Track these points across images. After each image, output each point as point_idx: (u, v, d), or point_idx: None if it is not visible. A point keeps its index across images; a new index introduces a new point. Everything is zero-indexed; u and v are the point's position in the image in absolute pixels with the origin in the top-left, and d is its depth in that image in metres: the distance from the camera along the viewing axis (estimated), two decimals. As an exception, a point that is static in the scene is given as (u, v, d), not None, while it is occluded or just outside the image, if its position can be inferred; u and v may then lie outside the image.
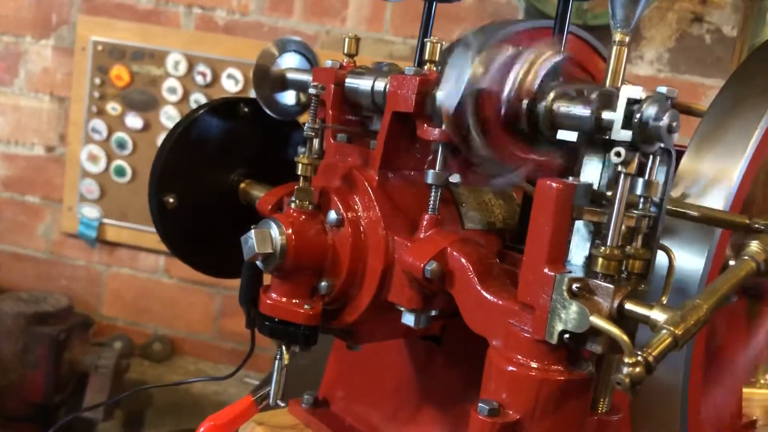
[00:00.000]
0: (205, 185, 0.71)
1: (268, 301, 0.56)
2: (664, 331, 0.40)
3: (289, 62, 0.69)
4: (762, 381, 1.01)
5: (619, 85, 0.49)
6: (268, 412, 0.75)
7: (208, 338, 2.19)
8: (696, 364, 0.58)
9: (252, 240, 0.54)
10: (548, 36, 0.83)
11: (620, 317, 0.43)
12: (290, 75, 0.68)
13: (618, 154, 0.43)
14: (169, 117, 2.09)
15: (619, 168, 0.43)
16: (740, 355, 0.74)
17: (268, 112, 0.69)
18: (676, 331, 0.40)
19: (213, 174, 0.71)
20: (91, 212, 2.17)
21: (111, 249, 2.21)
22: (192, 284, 2.16)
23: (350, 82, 0.60)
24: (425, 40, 0.56)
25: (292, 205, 0.56)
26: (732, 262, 0.54)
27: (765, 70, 0.62)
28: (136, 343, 2.20)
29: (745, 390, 0.88)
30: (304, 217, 0.56)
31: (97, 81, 2.11)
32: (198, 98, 2.06)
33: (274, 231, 0.55)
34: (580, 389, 0.46)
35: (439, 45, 0.55)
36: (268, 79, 0.68)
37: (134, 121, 2.11)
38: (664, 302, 0.46)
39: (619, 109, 0.43)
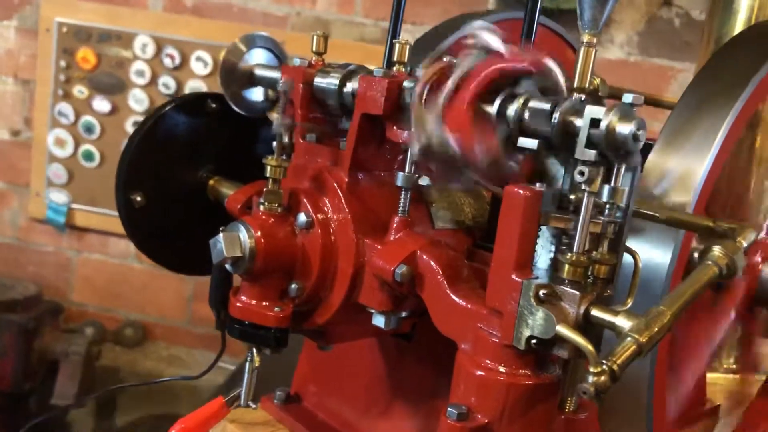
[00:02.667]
0: (172, 183, 0.70)
1: (237, 304, 0.56)
2: (629, 338, 0.41)
3: (257, 58, 0.68)
4: (725, 365, 1.03)
5: (586, 85, 0.49)
6: (240, 409, 0.76)
7: (180, 323, 2.18)
8: (661, 360, 0.59)
9: (220, 243, 0.54)
10: (514, 29, 0.83)
11: (586, 323, 0.44)
12: (258, 71, 0.67)
13: (581, 173, 0.43)
14: (137, 100, 2.06)
15: (583, 186, 0.43)
16: (703, 343, 0.76)
17: (235, 108, 0.68)
18: (641, 339, 0.41)
19: (181, 171, 0.71)
20: (59, 197, 2.14)
21: (80, 234, 2.18)
22: (162, 270, 2.14)
23: (319, 81, 0.60)
24: (393, 41, 0.55)
25: (261, 208, 0.55)
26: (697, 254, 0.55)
27: (730, 67, 0.62)
28: (108, 329, 2.19)
29: (708, 375, 0.90)
30: (273, 219, 0.55)
31: (63, 63, 2.07)
32: (167, 81, 2.03)
33: (243, 234, 0.54)
34: (548, 392, 0.46)
35: (407, 46, 0.55)
36: (235, 75, 0.67)
37: (102, 104, 2.07)
38: (630, 303, 0.47)
39: (583, 128, 0.43)
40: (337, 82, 0.58)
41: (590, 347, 0.40)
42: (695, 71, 1.01)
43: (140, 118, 2.09)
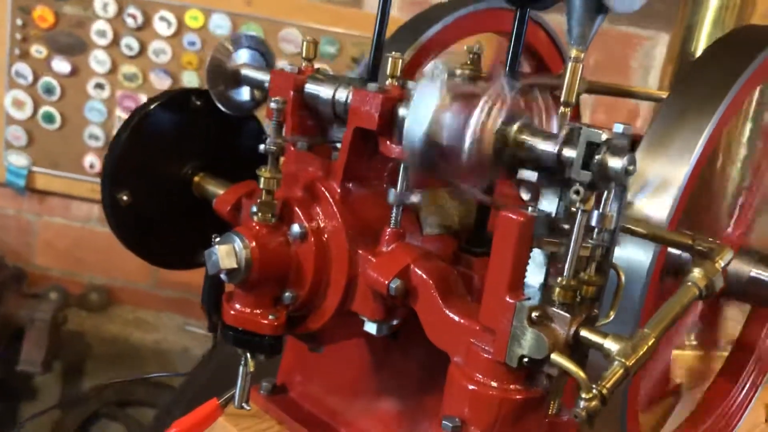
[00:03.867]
0: (158, 180, 0.71)
1: (231, 312, 0.57)
2: (616, 363, 0.43)
3: (244, 58, 0.68)
4: (687, 343, 1.08)
5: (573, 99, 0.51)
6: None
7: (146, 287, 2.17)
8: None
9: (216, 255, 0.55)
10: (496, 18, 0.84)
11: (575, 343, 0.46)
12: (245, 72, 0.67)
13: (577, 193, 0.45)
14: (99, 62, 2.01)
15: (578, 205, 0.45)
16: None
17: (222, 108, 0.68)
18: (627, 363, 0.43)
19: (166, 168, 0.71)
20: (18, 160, 2.09)
21: (42, 198, 2.14)
22: (128, 233, 2.13)
23: (310, 88, 0.60)
24: (387, 55, 0.56)
25: (255, 219, 0.56)
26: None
27: (706, 80, 0.64)
28: (72, 294, 2.17)
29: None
30: (267, 230, 0.56)
31: (19, 22, 2.00)
32: (129, 42, 1.98)
33: (238, 245, 0.55)
34: (537, 404, 0.49)
35: (400, 60, 0.56)
36: (222, 75, 0.67)
37: (61, 65, 2.02)
38: (612, 316, 0.49)
39: (579, 150, 0.45)
40: (329, 91, 0.59)
41: (582, 374, 0.43)
42: (669, 41, 1.03)
43: (102, 81, 2.05)
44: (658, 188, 0.59)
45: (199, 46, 1.99)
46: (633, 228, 0.53)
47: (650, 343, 0.44)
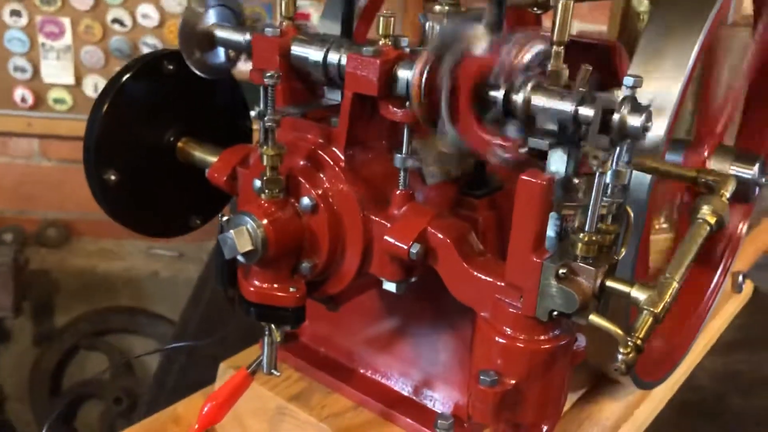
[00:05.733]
0: (142, 152, 0.68)
1: (251, 289, 0.57)
2: (645, 312, 0.46)
3: (213, 18, 0.64)
4: (657, 227, 1.13)
5: (566, 38, 0.51)
6: (241, 353, 0.79)
7: (104, 217, 2.11)
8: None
9: (231, 239, 0.54)
10: None
11: (601, 292, 0.49)
12: (218, 33, 0.64)
13: (596, 158, 0.45)
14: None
15: (597, 169, 0.46)
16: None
17: (198, 73, 0.65)
18: (656, 311, 0.46)
19: (148, 139, 0.68)
20: (-58, 102, 1.98)
21: (-23, 139, 2.05)
22: (73, 164, 2.06)
23: (297, 50, 0.58)
24: (378, 14, 0.54)
25: (263, 196, 0.56)
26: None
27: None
28: (28, 232, 2.12)
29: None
30: (276, 206, 0.56)
31: None
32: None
33: (251, 226, 0.55)
34: (566, 349, 0.52)
35: (392, 19, 0.54)
36: (196, 39, 0.63)
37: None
38: (623, 254, 0.52)
39: (596, 117, 0.45)
40: (319, 53, 0.57)
41: (620, 331, 0.45)
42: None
43: (17, 7, 1.91)
44: (654, 108, 0.60)
45: (116, -42, 1.86)
46: (640, 163, 0.55)
47: (674, 288, 0.47)
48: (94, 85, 1.99)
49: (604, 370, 0.76)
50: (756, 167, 0.76)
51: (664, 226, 1.11)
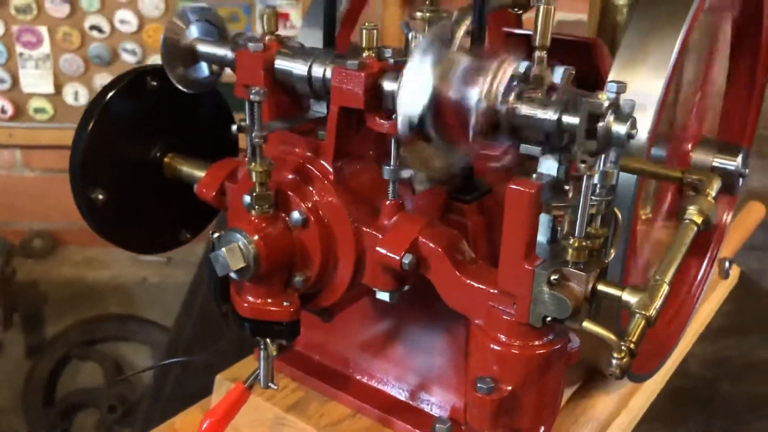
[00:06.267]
0: (129, 170, 0.68)
1: (245, 305, 0.58)
2: (638, 315, 0.46)
3: (195, 32, 0.64)
4: (642, 216, 1.14)
5: (547, 42, 0.51)
6: (237, 365, 0.79)
7: (89, 225, 2.12)
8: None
9: (223, 257, 0.54)
10: None
11: (592, 296, 0.49)
12: (201, 48, 0.64)
13: (584, 162, 0.46)
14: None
15: (585, 172, 0.46)
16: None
17: (182, 89, 0.65)
18: (648, 314, 0.46)
19: (134, 155, 0.68)
20: None
21: (-44, 151, 2.03)
22: (58, 173, 2.04)
23: (281, 64, 0.58)
24: (361, 27, 0.54)
25: (253, 212, 0.56)
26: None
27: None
28: (14, 243, 2.10)
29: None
30: (267, 221, 0.56)
31: None
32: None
33: (243, 243, 0.55)
34: (561, 352, 0.52)
35: (375, 32, 0.54)
36: (179, 55, 0.63)
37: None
38: (613, 255, 0.52)
39: (581, 122, 0.45)
40: (303, 67, 0.57)
41: (613, 337, 0.46)
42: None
43: None
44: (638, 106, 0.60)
45: (93, -35, 1.85)
46: (626, 164, 0.55)
47: (664, 290, 0.47)
48: (74, 93, 1.98)
49: (596, 365, 0.77)
50: (739, 159, 0.77)
51: (650, 215, 1.12)
